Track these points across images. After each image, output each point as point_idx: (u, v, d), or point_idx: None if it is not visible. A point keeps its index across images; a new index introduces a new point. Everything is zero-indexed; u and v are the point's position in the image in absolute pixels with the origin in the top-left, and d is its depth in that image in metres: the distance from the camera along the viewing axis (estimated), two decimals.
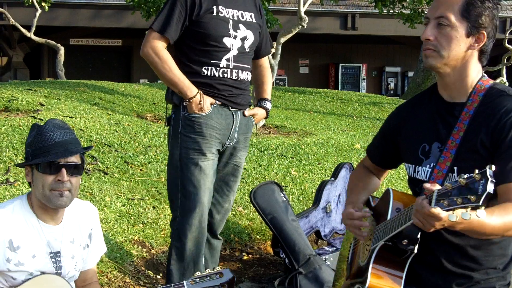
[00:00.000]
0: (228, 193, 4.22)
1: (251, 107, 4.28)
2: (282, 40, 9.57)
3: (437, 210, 2.28)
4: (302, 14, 9.42)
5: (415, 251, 2.66)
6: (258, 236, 5.64)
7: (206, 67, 3.95)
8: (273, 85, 10.57)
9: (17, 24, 16.42)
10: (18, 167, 5.59)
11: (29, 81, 13.81)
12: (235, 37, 3.99)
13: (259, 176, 6.80)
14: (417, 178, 2.86)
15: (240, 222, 5.72)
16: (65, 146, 2.96)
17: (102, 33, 23.36)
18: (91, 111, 8.81)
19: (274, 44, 9.72)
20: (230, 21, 3.98)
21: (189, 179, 3.95)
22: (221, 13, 3.96)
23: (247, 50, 4.08)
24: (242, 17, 4.06)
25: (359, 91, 22.73)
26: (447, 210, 2.25)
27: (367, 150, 3.27)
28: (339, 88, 24.91)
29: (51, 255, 2.99)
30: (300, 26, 9.45)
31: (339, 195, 5.70)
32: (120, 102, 10.57)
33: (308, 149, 7.98)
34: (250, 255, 5.40)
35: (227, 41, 3.96)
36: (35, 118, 7.45)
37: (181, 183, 3.97)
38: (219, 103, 3.98)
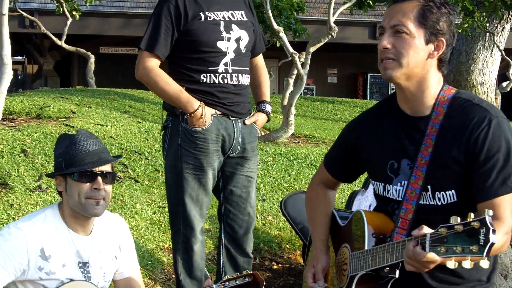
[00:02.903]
0: (245, 206, 4.10)
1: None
2: (312, 49, 9.56)
3: (432, 255, 2.20)
4: (332, 24, 9.41)
5: (397, 275, 2.58)
6: (288, 246, 5.64)
7: (205, 75, 3.84)
8: (301, 94, 10.58)
9: (48, 33, 16.58)
10: None
11: (60, 89, 13.96)
12: (228, 39, 3.87)
13: (289, 185, 6.80)
14: (388, 197, 2.76)
15: (269, 231, 5.72)
16: (98, 155, 2.99)
17: (131, 42, 23.51)
18: (122, 119, 8.88)
19: (303, 53, 9.72)
20: (221, 23, 3.86)
21: (190, 194, 3.89)
22: (210, 17, 3.84)
23: (243, 51, 3.94)
24: (233, 17, 3.92)
25: None
26: (444, 257, 2.16)
27: (325, 163, 3.12)
28: (368, 97, 24.83)
29: (80, 265, 3.01)
30: (330, 36, 9.44)
31: (370, 206, 5.67)
32: (150, 110, 10.64)
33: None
34: (280, 265, 5.39)
35: (221, 44, 3.84)
36: (66, 125, 7.53)
37: (183, 197, 3.90)
38: (219, 113, 3.88)
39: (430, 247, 2.19)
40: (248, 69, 4.02)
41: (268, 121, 4.24)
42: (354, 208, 5.48)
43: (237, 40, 3.90)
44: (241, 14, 3.97)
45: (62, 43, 16.52)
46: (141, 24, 20.31)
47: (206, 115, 3.81)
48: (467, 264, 2.09)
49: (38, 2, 20.47)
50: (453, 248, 2.12)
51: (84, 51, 16.87)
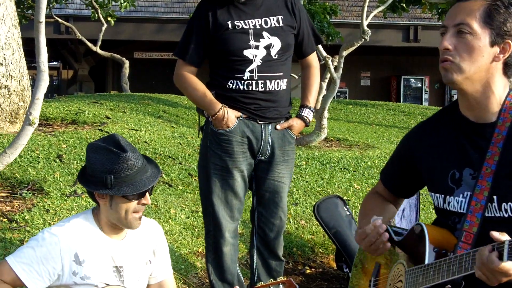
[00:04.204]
0: (276, 210, 4.11)
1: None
2: (345, 53, 9.55)
3: (509, 265, 2.04)
4: (365, 27, 9.40)
5: None
6: (321, 250, 5.63)
7: (232, 81, 3.92)
8: (334, 97, 10.57)
9: (83, 38, 16.79)
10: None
11: (95, 94, 14.09)
12: (257, 47, 3.89)
13: (322, 189, 6.80)
14: (449, 209, 2.57)
15: (302, 235, 5.72)
16: (146, 171, 2.98)
17: (165, 47, 23.67)
18: (156, 124, 8.94)
19: (336, 57, 9.72)
20: (251, 31, 3.90)
21: (218, 195, 3.97)
22: (238, 26, 3.90)
23: (275, 57, 3.93)
24: (266, 24, 3.93)
25: (421, 104, 22.49)
26: None
27: (382, 176, 2.97)
28: (401, 100, 24.70)
29: (114, 269, 3.03)
30: (363, 40, 9.43)
31: (403, 210, 5.65)
32: (183, 115, 10.70)
33: (370, 162, 7.94)
34: (313, 269, 5.39)
35: (247, 52, 3.89)
36: (101, 130, 7.60)
37: (212, 197, 3.98)
38: (245, 116, 3.94)
39: (508, 256, 2.04)
40: (282, 73, 3.99)
41: (306, 126, 4.20)
42: None
43: (267, 47, 3.91)
44: (277, 20, 3.97)
45: (97, 48, 16.72)
46: (175, 29, 20.47)
47: (229, 117, 3.89)
48: None
49: (73, 9, 20.72)
50: None
51: (118, 56, 17.05)
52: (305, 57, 4.21)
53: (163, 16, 21.43)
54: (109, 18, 16.43)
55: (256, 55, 3.89)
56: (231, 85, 3.92)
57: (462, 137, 2.55)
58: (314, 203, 5.15)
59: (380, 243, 2.63)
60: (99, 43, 16.66)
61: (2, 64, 7.03)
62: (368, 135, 10.98)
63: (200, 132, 4.13)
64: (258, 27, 3.91)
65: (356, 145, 9.61)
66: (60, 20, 17.42)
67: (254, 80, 3.90)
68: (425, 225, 2.54)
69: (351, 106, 15.01)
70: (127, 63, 16.84)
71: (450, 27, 2.47)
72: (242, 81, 3.90)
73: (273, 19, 3.96)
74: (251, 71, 3.90)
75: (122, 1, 15.90)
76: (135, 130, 8.00)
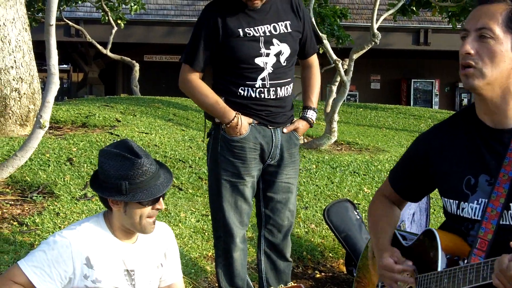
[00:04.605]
0: (284, 211, 4.12)
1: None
2: (355, 56, 9.53)
3: None
4: (375, 30, 9.37)
5: None
6: (330, 254, 5.62)
7: (242, 88, 3.88)
8: (344, 101, 10.54)
9: (93, 41, 16.82)
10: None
11: (105, 97, 14.11)
12: (267, 54, 3.86)
13: (331, 193, 6.78)
14: (462, 215, 2.52)
15: (312, 239, 5.71)
16: (159, 176, 2.98)
17: (175, 50, 23.71)
18: (166, 127, 8.95)
19: (347, 60, 9.70)
20: (261, 38, 3.85)
21: (229, 201, 3.95)
22: (249, 33, 3.84)
23: (284, 64, 3.92)
24: (275, 30, 3.90)
25: (431, 107, 22.50)
26: None
27: (390, 177, 2.92)
28: (411, 104, 24.68)
29: (125, 272, 3.03)
30: (373, 43, 9.41)
31: (413, 214, 5.63)
32: (193, 118, 10.70)
33: (380, 166, 7.92)
34: (323, 273, 5.37)
35: (259, 60, 3.85)
36: (111, 134, 7.61)
37: (222, 203, 3.96)
38: (256, 122, 3.93)
39: None
40: (290, 79, 4.00)
41: (310, 127, 4.21)
42: None
43: (277, 55, 3.89)
44: (285, 26, 3.94)
45: (107, 51, 16.76)
46: (185, 32, 20.52)
47: (243, 124, 3.86)
48: None
49: (83, 11, 20.81)
50: None
51: (128, 59, 17.08)
52: (307, 58, 4.20)
53: (173, 19, 21.49)
54: (119, 21, 16.48)
55: (267, 63, 3.86)
56: (242, 92, 3.88)
57: (479, 142, 2.51)
58: (324, 207, 5.14)
59: (404, 285, 2.61)
60: (109, 46, 16.69)
61: (12, 67, 7.06)
62: (378, 139, 10.96)
63: (207, 137, 4.11)
64: (268, 34, 3.87)
65: (366, 148, 9.60)
66: (70, 23, 17.46)
67: (266, 88, 3.88)
68: (436, 231, 2.50)
69: (361, 109, 15.00)
70: (137, 66, 16.87)
71: (471, 31, 2.42)
72: (254, 89, 3.87)
73: (282, 25, 3.93)
74: (263, 79, 3.87)
75: (132, 4, 15.95)
76: (145, 133, 8.01)
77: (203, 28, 3.88)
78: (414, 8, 12.54)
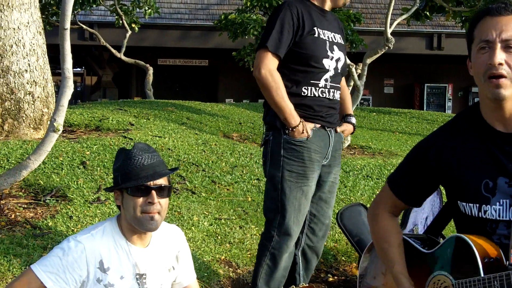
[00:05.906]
0: (327, 209, 4.29)
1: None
2: (368, 61, 9.53)
3: None
4: (389, 35, 9.36)
5: None
6: (343, 258, 5.61)
7: (306, 87, 3.98)
8: (357, 105, 10.53)
9: (107, 45, 16.88)
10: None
11: (119, 101, 14.13)
12: (331, 58, 4.03)
13: (345, 197, 6.77)
14: (486, 217, 2.58)
15: (325, 243, 5.69)
16: (153, 169, 3.01)
17: (189, 54, 23.77)
18: (179, 130, 8.95)
19: (360, 65, 9.69)
20: (327, 42, 4.02)
21: (291, 202, 4.00)
22: (321, 34, 4.00)
23: (339, 71, 4.13)
24: (335, 39, 4.10)
25: (445, 112, 22.42)
26: None
27: (392, 185, 2.96)
28: (425, 108, 24.61)
29: (137, 276, 3.04)
30: (387, 47, 9.40)
31: (426, 218, 5.60)
32: (207, 122, 10.71)
33: (394, 170, 7.88)
34: (336, 277, 5.37)
35: (325, 62, 4.00)
36: (125, 137, 7.62)
37: (282, 205, 4.01)
38: (318, 125, 4.03)
39: None
40: (340, 86, 4.20)
41: (352, 132, 4.53)
42: (411, 221, 5.41)
43: (337, 60, 4.08)
44: (340, 37, 4.17)
45: (121, 55, 16.80)
46: (199, 36, 20.56)
47: (306, 130, 3.97)
48: None
49: (98, 15, 20.88)
50: None
51: (142, 63, 17.10)
52: (343, 75, 4.40)
53: (187, 23, 21.51)
54: (133, 25, 16.52)
55: (330, 65, 4.04)
56: (305, 91, 3.99)
57: (492, 146, 2.57)
58: (337, 211, 5.13)
59: None
60: (123, 49, 16.74)
61: (26, 71, 7.09)
62: (391, 143, 10.93)
63: (262, 145, 4.17)
64: (331, 39, 4.07)
65: (379, 152, 9.58)
66: (84, 26, 17.54)
67: (327, 88, 4.05)
68: (469, 239, 2.53)
69: (375, 113, 14.96)
70: (151, 70, 16.90)
71: (496, 42, 2.46)
72: (317, 88, 4.01)
73: (338, 36, 4.16)
74: (326, 80, 4.04)
75: (147, 8, 16.01)
76: (158, 137, 8.01)
77: (287, 19, 3.91)
78: (427, 13, 12.51)
